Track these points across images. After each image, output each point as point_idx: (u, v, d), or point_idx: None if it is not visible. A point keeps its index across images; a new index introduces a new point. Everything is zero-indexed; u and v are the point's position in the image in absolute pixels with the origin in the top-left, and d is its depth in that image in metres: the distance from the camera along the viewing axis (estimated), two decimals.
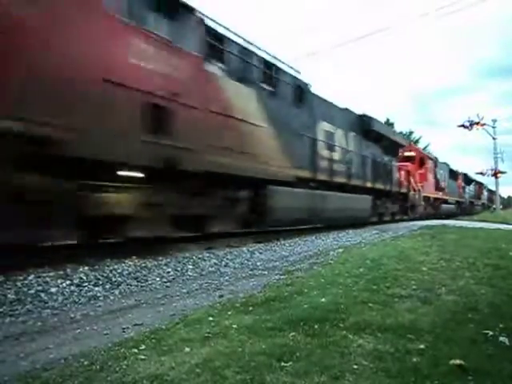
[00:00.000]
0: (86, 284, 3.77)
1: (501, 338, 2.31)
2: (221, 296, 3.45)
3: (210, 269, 4.95)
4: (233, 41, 7.17)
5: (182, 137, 5.72)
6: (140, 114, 5.17)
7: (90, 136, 4.57)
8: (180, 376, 1.83)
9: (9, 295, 3.27)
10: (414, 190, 17.85)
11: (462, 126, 29.62)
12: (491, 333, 2.37)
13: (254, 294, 3.39)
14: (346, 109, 12.26)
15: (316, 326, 2.47)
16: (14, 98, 3.94)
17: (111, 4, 4.82)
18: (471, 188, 35.26)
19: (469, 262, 4.95)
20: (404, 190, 16.72)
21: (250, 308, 2.94)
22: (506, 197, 78.75)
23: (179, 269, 4.76)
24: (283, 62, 8.79)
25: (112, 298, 3.52)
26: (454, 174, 27.57)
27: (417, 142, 43.20)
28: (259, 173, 7.53)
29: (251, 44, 7.70)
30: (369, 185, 12.93)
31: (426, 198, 19.64)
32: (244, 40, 7.48)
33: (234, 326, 2.52)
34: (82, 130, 4.44)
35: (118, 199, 5.19)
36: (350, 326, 2.48)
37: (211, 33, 6.57)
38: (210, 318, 2.69)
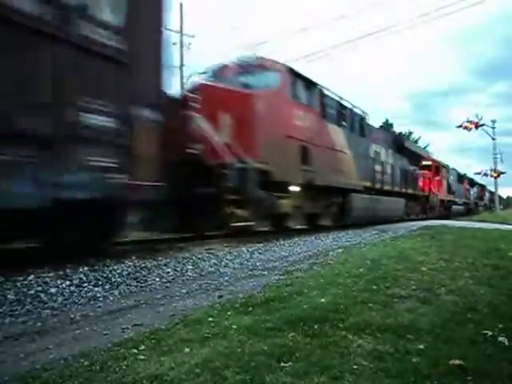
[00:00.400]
0: (86, 284, 3.77)
1: (500, 338, 2.31)
2: (220, 296, 3.45)
3: (210, 269, 4.95)
4: (332, 98, 10.85)
5: (314, 164, 9.27)
6: (299, 153, 8.81)
7: (281, 168, 8.04)
8: (180, 376, 1.83)
9: (9, 295, 3.27)
10: (433, 194, 21.26)
11: (462, 126, 29.68)
12: (490, 333, 2.38)
13: (253, 295, 3.39)
14: (387, 130, 17.36)
15: (316, 327, 2.47)
16: (259, 149, 7.45)
17: (290, 93, 8.68)
18: (475, 190, 38.09)
19: (468, 262, 4.95)
20: (426, 194, 20.25)
21: (250, 308, 2.95)
22: (505, 197, 78.77)
23: (179, 269, 4.76)
24: (355, 106, 12.44)
25: (112, 298, 3.52)
26: (460, 178, 30.86)
27: (416, 142, 43.23)
28: (346, 184, 11.08)
29: (341, 98, 11.45)
30: (402, 190, 16.34)
31: (441, 200, 23.10)
32: (338, 96, 11.25)
33: (234, 326, 2.52)
34: (277, 166, 7.91)
35: (286, 203, 8.62)
36: (350, 326, 2.48)
37: (323, 95, 10.23)
38: (210, 319, 2.69)
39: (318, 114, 9.77)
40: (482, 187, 43.44)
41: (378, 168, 13.67)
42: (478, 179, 39.88)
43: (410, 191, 17.30)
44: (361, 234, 10.18)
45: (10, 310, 3.01)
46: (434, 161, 22.93)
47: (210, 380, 1.80)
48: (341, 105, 11.30)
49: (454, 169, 28.24)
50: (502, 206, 50.05)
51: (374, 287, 3.55)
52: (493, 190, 38.69)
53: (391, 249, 6.44)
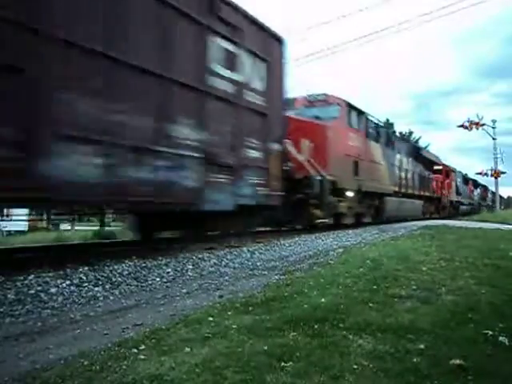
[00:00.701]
0: (86, 284, 3.77)
1: (501, 338, 2.31)
2: (221, 296, 3.45)
3: (210, 269, 4.95)
4: (372, 121, 13.67)
5: (361, 175, 12.09)
6: (352, 167, 11.69)
7: (342, 179, 10.73)
8: (180, 376, 1.83)
9: (9, 295, 3.27)
10: (444, 196, 23.93)
11: (462, 126, 29.67)
12: (491, 333, 2.38)
13: (253, 294, 3.39)
14: (407, 141, 20.25)
15: (316, 326, 2.47)
16: (329, 165, 10.05)
17: (346, 121, 11.46)
18: (478, 191, 40.38)
19: (468, 262, 4.95)
20: (438, 196, 22.88)
21: (250, 308, 2.94)
22: (505, 197, 78.91)
23: (179, 269, 4.76)
24: (382, 122, 16.20)
25: (112, 298, 3.52)
26: (466, 181, 33.37)
27: (416, 141, 43.35)
28: (381, 189, 13.96)
29: (379, 120, 14.79)
30: (420, 193, 19.12)
31: (450, 201, 25.76)
32: (376, 119, 14.28)
33: (234, 326, 2.52)
34: (340, 177, 10.56)
35: (344, 205, 11.15)
36: (350, 326, 2.48)
37: (367, 119, 13.02)
38: (210, 318, 2.69)
39: (364, 134, 12.66)
40: (485, 188, 44.70)
41: (402, 174, 16.70)
42: (479, 179, 40.14)
43: (426, 194, 20.13)
44: (361, 233, 10.18)
45: (10, 310, 3.01)
46: (444, 165, 25.16)
47: (211, 380, 1.80)
48: (378, 125, 14.54)
49: (460, 171, 30.67)
50: (503, 207, 50.66)
51: (375, 287, 3.54)
52: (494, 189, 38.80)
53: (391, 249, 6.43)
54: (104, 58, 4.63)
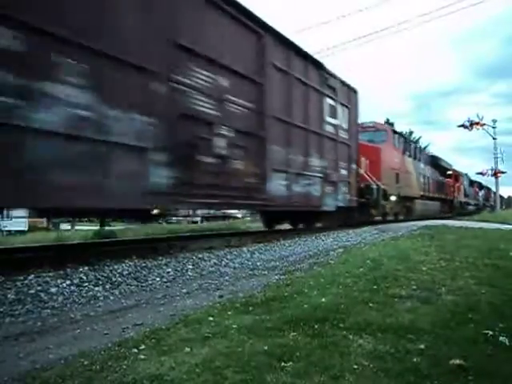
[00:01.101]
0: (86, 284, 3.77)
1: (501, 338, 2.31)
2: (221, 296, 3.45)
3: (210, 269, 4.95)
4: (406, 138, 18.01)
5: (400, 183, 15.80)
6: (395, 177, 15.47)
7: (389, 187, 14.32)
8: (180, 376, 1.83)
9: (9, 295, 3.27)
10: (455, 197, 27.49)
11: (462, 125, 29.65)
12: (491, 333, 2.37)
13: (254, 294, 3.39)
14: (426, 152, 23.49)
15: (316, 326, 2.47)
16: (381, 177, 13.60)
17: (391, 143, 15.49)
18: (482, 192, 43.66)
19: (468, 262, 4.95)
20: (450, 198, 26.50)
21: (250, 308, 2.95)
22: (506, 197, 79.04)
23: (179, 269, 4.76)
24: (413, 140, 23.75)
25: (112, 298, 3.52)
26: (471, 183, 36.90)
27: (417, 141, 43.59)
28: (412, 194, 17.81)
29: (409, 138, 22.58)
30: (437, 196, 22.86)
31: (460, 202, 29.11)
32: (408, 137, 23.11)
33: (234, 326, 2.52)
34: (388, 185, 14.11)
35: (388, 207, 14.66)
36: (350, 326, 2.48)
37: (404, 139, 17.45)
38: (210, 318, 2.69)
39: (401, 151, 16.91)
40: (488, 190, 46.33)
41: (425, 181, 20.66)
42: (479, 179, 40.35)
43: (442, 196, 24.11)
44: (361, 233, 10.18)
45: (10, 310, 3.01)
46: (454, 171, 28.36)
47: (211, 380, 1.80)
48: (409, 142, 19.55)
49: (466, 174, 34.00)
50: (504, 207, 51.79)
51: (375, 287, 3.54)
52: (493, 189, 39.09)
53: (391, 249, 6.43)
54: (288, 124, 8.41)
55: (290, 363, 1.96)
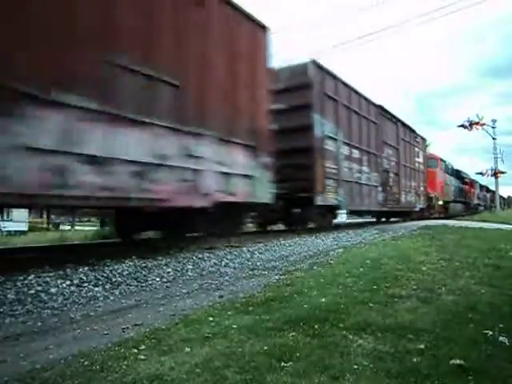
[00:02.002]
0: (86, 284, 3.77)
1: (501, 338, 2.31)
2: (221, 296, 3.45)
3: (210, 269, 4.95)
4: (445, 163, 25.79)
5: (443, 193, 24.60)
6: (441, 189, 24.12)
7: (439, 195, 23.70)
8: (180, 376, 1.83)
9: (9, 295, 3.27)
10: (471, 200, 35.65)
11: (462, 126, 29.67)
12: (491, 333, 2.37)
13: (254, 294, 3.39)
14: (453, 167, 28.57)
15: (316, 326, 2.47)
16: (436, 189, 23.21)
17: (440, 168, 24.20)
18: (488, 195, 51.01)
19: (468, 262, 4.95)
20: (468, 200, 33.92)
21: (250, 308, 2.95)
22: (506, 197, 79.32)
23: (179, 269, 4.76)
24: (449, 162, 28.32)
25: (112, 298, 3.52)
26: (481, 187, 44.60)
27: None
28: (448, 199, 25.31)
29: (448, 162, 27.47)
30: (460, 199, 29.69)
31: (474, 204, 37.98)
32: (447, 161, 27.47)
33: (234, 326, 2.52)
34: (438, 194, 23.61)
35: (438, 207, 23.98)
36: (350, 326, 2.48)
37: (445, 163, 26.17)
38: (210, 318, 2.69)
39: (444, 171, 24.81)
40: (493, 193, 51.88)
41: (454, 189, 27.86)
42: (479, 179, 40.71)
43: (463, 200, 31.15)
44: (361, 233, 10.18)
45: (10, 310, 3.01)
46: (470, 179, 35.65)
47: (211, 380, 1.80)
48: (447, 164, 26.24)
49: (477, 181, 41.06)
50: (506, 207, 57.24)
51: (375, 287, 3.54)
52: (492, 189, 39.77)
53: (391, 248, 6.43)
54: (407, 167, 16.90)
55: (290, 363, 1.96)
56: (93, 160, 4.48)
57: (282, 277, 4.26)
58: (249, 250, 6.39)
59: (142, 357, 2.06)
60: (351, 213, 17.90)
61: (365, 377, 1.83)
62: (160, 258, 5.25)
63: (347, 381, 1.80)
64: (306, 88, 9.62)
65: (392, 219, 18.41)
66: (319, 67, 10.03)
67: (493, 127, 31.62)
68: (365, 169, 12.51)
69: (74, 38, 4.31)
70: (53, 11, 4.12)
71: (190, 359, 2.02)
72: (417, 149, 18.66)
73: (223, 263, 5.31)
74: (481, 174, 37.92)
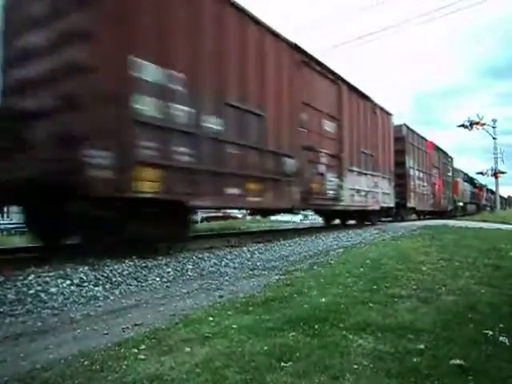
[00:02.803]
0: (86, 284, 3.77)
1: (501, 338, 2.31)
2: (221, 296, 3.45)
3: (210, 269, 4.95)
4: (463, 172, 33.41)
5: (462, 196, 31.98)
6: (461, 193, 31.56)
7: (459, 198, 30.64)
8: (180, 376, 1.83)
9: (9, 295, 3.27)
10: (481, 202, 42.54)
11: (463, 125, 29.68)
12: (491, 333, 2.38)
13: (254, 294, 3.39)
14: (467, 175, 35.07)
15: (316, 326, 2.47)
16: (456, 193, 29.49)
17: (459, 176, 30.89)
18: (493, 197, 56.49)
19: (468, 262, 4.95)
20: (478, 202, 40.83)
21: (250, 308, 2.95)
22: (506, 197, 79.65)
23: (179, 269, 4.76)
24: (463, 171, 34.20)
25: (112, 298, 3.52)
26: (487, 190, 50.16)
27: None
28: (465, 201, 32.86)
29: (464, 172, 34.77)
30: (473, 201, 36.56)
31: (483, 205, 44.30)
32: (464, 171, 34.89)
33: (234, 326, 2.52)
34: (459, 197, 30.27)
35: (459, 208, 31.27)
36: (350, 326, 2.48)
37: (464, 173, 34.43)
38: (210, 318, 2.69)
39: (462, 179, 31.41)
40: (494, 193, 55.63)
41: (469, 193, 33.93)
42: (480, 179, 41.12)
43: (474, 201, 37.59)
44: (361, 233, 10.17)
45: (10, 310, 3.02)
46: (479, 184, 42.47)
47: (211, 380, 1.80)
48: (465, 173, 33.11)
49: (484, 185, 47.02)
50: (508, 207, 60.05)
51: (375, 287, 3.54)
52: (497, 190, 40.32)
53: (391, 248, 6.43)
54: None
55: (290, 363, 1.96)
56: (359, 191, 11.45)
57: (281, 277, 4.26)
58: (249, 250, 6.39)
59: (142, 357, 2.06)
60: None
61: (365, 377, 1.83)
62: (160, 257, 5.24)
63: (347, 381, 1.80)
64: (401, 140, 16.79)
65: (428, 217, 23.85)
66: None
67: (493, 127, 31.65)
68: (426, 184, 20.29)
69: None
70: None
71: (190, 359, 2.02)
72: (448, 164, 26.31)
73: (223, 263, 5.31)
74: (481, 173, 38.03)
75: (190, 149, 5.61)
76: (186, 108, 5.57)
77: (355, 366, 1.93)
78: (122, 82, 4.73)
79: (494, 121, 31.74)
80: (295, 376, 1.83)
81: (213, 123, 6.10)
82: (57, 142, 4.73)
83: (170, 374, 1.86)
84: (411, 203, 17.51)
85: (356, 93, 11.51)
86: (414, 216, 20.73)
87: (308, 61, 8.96)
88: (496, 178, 33.50)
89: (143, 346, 2.20)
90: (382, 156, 13.46)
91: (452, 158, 27.48)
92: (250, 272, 4.75)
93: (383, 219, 15.63)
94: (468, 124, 29.45)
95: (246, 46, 6.89)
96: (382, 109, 13.45)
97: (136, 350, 2.14)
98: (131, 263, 4.72)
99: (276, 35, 7.77)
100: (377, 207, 12.93)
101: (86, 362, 2.00)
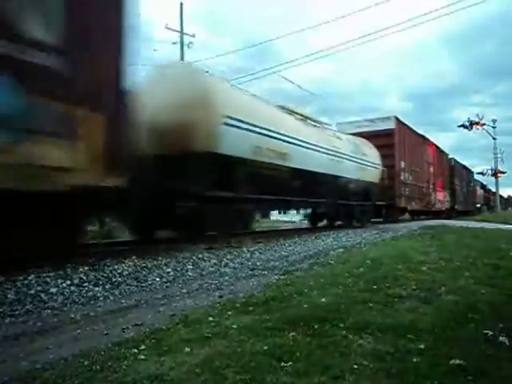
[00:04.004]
0: (86, 284, 3.77)
1: (501, 338, 2.31)
2: (221, 296, 3.45)
3: (210, 269, 4.95)
4: (479, 181, 44.87)
5: (478, 199, 43.28)
6: (478, 197, 42.26)
7: (476, 200, 41.48)
8: (180, 376, 1.83)
9: (9, 295, 3.27)
10: (490, 203, 48.49)
11: (463, 125, 29.72)
12: (491, 333, 2.37)
13: (253, 294, 3.39)
14: (481, 182, 45.27)
15: (316, 326, 2.47)
16: (476, 198, 43.17)
17: (478, 184, 42.98)
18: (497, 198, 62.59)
19: (468, 262, 4.95)
20: (488, 203, 47.83)
21: (250, 308, 2.94)
22: (506, 197, 79.96)
23: (179, 269, 4.76)
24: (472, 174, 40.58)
25: (112, 298, 3.52)
26: (493, 193, 52.34)
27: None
28: (480, 203, 43.35)
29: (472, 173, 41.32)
30: (485, 203, 46.77)
31: (491, 206, 48.48)
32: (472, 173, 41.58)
33: (234, 326, 2.52)
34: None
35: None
36: (350, 326, 2.48)
37: (480, 181, 45.99)
38: (210, 318, 2.69)
39: (480, 187, 42.90)
40: (494, 193, 59.58)
41: (483, 197, 44.18)
42: (480, 179, 41.71)
43: (486, 203, 44.06)
44: (361, 233, 10.18)
45: (10, 310, 3.01)
46: (489, 189, 50.17)
47: (211, 380, 1.80)
48: (480, 182, 43.76)
49: (490, 188, 53.33)
50: (510, 208, 63.90)
51: (375, 287, 3.54)
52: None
53: (392, 248, 6.43)
54: (469, 190, 34.72)
55: (290, 363, 1.96)
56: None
57: (281, 277, 4.26)
58: (249, 250, 6.39)
59: (142, 357, 2.06)
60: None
61: (365, 377, 1.83)
62: (160, 257, 5.25)
63: (347, 381, 1.80)
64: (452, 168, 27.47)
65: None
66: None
67: (493, 127, 31.70)
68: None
69: None
70: None
71: (190, 359, 2.02)
72: (471, 179, 34.39)
73: (223, 263, 5.30)
74: (481, 173, 38.06)
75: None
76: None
77: (355, 366, 1.93)
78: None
79: (494, 121, 31.80)
80: (295, 376, 1.83)
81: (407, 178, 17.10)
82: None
83: (169, 374, 1.85)
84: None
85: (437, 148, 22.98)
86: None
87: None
88: (496, 178, 33.50)
89: (143, 346, 2.20)
90: (444, 180, 24.71)
91: (473, 173, 36.91)
92: (250, 272, 4.75)
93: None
94: (468, 124, 29.48)
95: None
96: (443, 151, 24.79)
97: (136, 350, 2.14)
98: (131, 263, 4.72)
99: (422, 136, 19.29)
100: (444, 208, 24.54)
101: (86, 362, 2.00)
